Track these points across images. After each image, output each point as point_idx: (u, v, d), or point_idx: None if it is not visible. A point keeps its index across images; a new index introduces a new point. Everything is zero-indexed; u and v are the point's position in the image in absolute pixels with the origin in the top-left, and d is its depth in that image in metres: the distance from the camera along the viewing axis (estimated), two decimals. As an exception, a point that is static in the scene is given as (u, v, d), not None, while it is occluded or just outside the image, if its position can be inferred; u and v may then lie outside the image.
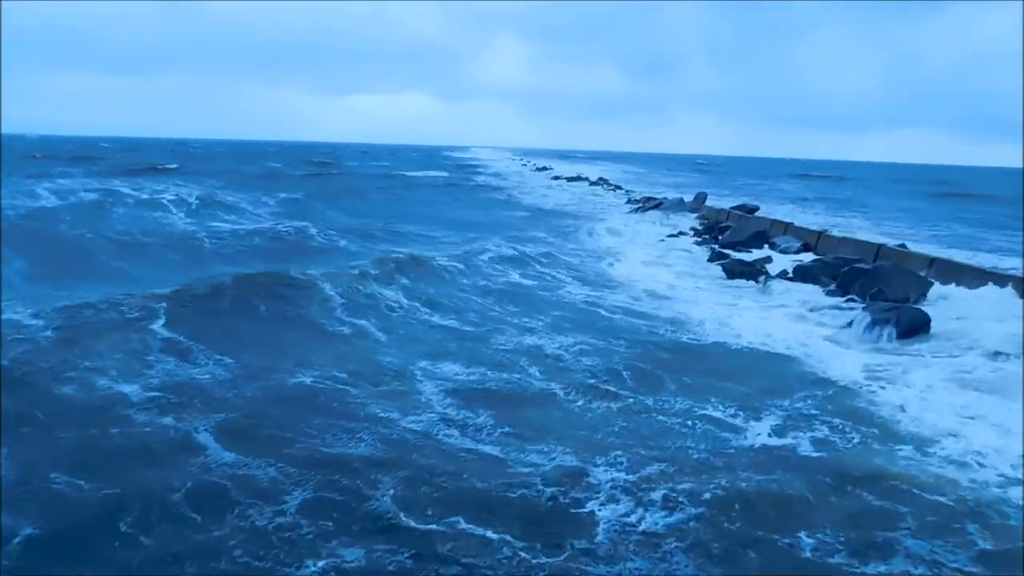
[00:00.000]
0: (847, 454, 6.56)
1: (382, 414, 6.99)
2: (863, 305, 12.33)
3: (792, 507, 5.55)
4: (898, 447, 6.68)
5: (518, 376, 8.39)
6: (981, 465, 6.29)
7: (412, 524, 5.12)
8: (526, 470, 5.98)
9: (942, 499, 5.67)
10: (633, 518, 5.32)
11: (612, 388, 8.10)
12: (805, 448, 6.69)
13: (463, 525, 5.11)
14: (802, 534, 5.15)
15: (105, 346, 8.21)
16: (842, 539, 5.10)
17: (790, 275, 15.51)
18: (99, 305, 9.71)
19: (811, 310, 12.74)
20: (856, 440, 6.85)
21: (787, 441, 6.84)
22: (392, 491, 5.53)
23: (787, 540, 5.09)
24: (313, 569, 4.59)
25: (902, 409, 7.66)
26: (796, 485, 5.87)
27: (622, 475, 5.95)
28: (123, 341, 8.43)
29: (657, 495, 5.63)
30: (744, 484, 5.87)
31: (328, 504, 5.32)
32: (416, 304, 11.73)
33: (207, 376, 7.71)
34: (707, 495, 5.63)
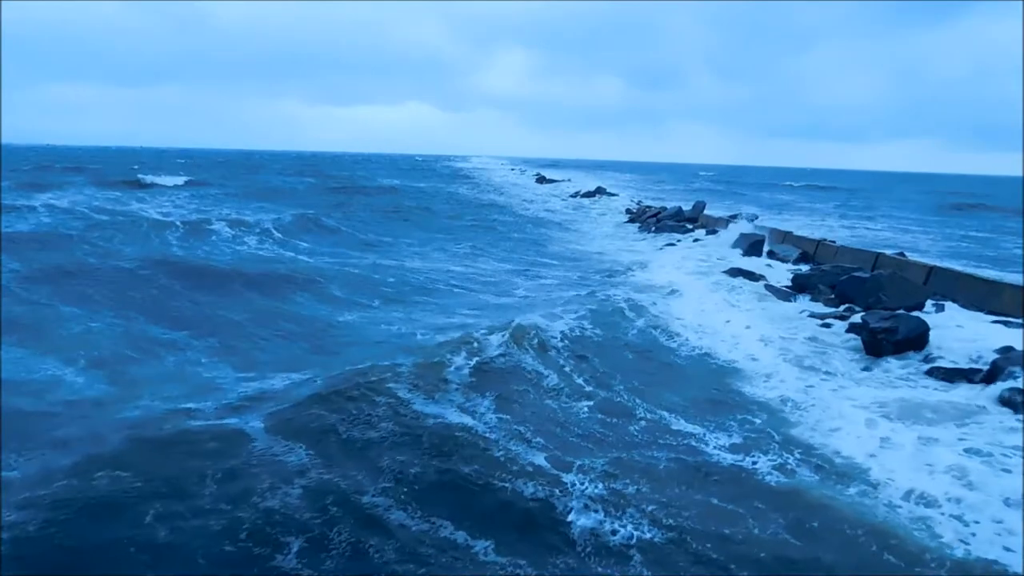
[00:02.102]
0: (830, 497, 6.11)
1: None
2: (861, 313, 12.13)
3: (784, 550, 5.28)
4: (878, 494, 6.22)
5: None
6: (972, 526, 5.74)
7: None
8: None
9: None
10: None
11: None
12: (772, 477, 6.44)
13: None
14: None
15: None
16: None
17: (788, 284, 15.32)
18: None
19: (810, 316, 12.53)
20: (821, 478, 6.46)
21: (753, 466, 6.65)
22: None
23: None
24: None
25: (882, 446, 7.16)
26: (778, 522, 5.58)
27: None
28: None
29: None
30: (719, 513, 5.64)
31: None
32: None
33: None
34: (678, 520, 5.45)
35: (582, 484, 5.88)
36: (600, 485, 5.88)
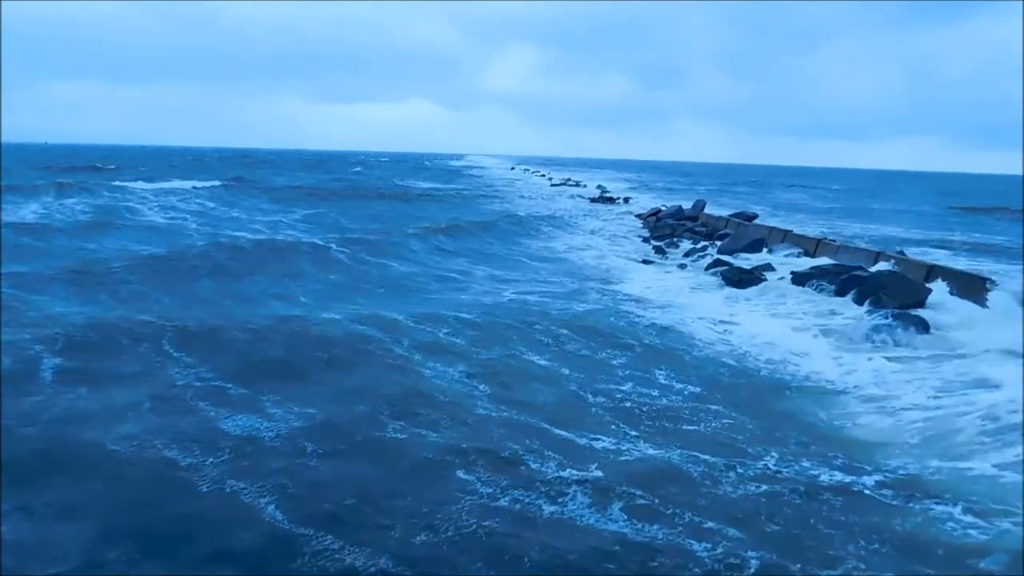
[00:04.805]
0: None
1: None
2: (864, 311, 11.69)
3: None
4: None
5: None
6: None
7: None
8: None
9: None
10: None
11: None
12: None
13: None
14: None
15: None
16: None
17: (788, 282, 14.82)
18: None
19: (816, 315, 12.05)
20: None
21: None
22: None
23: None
24: None
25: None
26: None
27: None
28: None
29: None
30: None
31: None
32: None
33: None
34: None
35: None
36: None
